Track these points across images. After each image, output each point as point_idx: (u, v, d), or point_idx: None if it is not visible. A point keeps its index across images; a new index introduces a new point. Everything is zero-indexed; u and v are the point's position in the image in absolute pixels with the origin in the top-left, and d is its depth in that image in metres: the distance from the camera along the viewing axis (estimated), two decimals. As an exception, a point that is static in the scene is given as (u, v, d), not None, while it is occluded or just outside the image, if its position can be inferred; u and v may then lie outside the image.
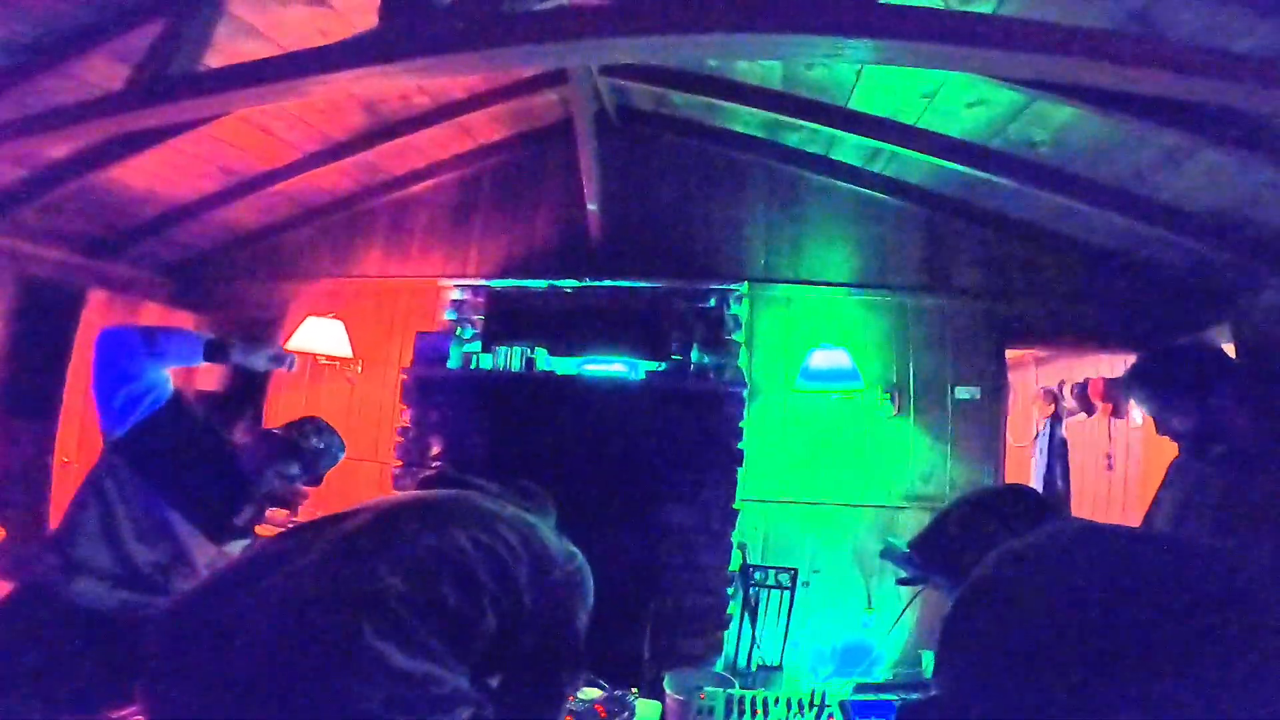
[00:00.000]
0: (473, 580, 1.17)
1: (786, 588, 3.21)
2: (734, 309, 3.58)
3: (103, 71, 2.59)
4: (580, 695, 1.72)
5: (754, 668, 3.15)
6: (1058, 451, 5.16)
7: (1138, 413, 4.69)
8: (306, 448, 1.97)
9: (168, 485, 1.80)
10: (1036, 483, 5.17)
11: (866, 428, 3.53)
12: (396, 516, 1.26)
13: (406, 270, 4.13)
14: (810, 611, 3.39)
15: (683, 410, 3.31)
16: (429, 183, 4.21)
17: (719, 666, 3.17)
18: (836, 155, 3.68)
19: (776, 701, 1.56)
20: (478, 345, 3.70)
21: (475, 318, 3.80)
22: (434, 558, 1.16)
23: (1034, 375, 5.81)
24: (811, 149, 3.71)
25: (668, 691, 2.32)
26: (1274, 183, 2.40)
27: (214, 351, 1.88)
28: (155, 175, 3.51)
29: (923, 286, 3.64)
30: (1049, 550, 1.14)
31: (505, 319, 3.74)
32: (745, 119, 3.62)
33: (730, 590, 3.28)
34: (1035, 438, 5.34)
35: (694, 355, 3.41)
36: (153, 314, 4.05)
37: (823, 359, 3.30)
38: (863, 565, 3.44)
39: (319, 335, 3.72)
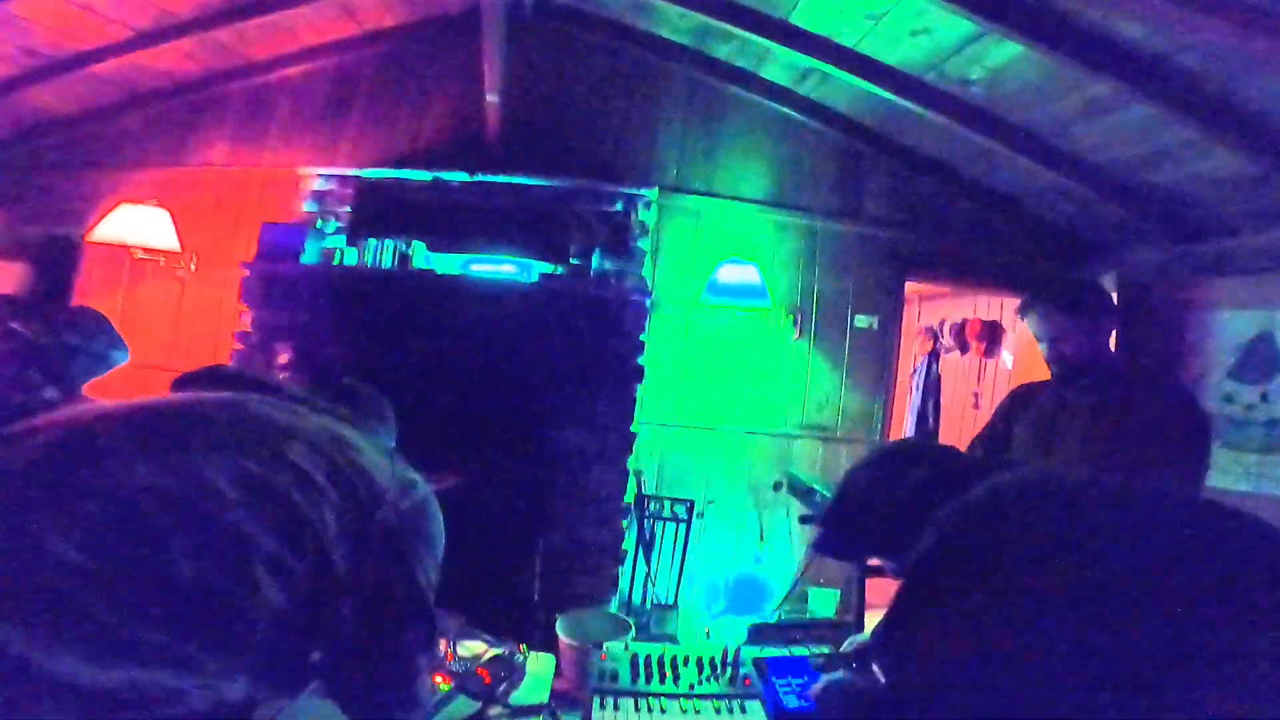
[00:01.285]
0: (232, 537, 0.78)
1: (683, 520, 3.07)
2: (641, 215, 3.30)
3: None
4: (460, 651, 1.43)
5: (649, 605, 3.01)
6: (932, 388, 5.39)
7: (1008, 355, 4.96)
8: (51, 345, 1.45)
9: None
10: (910, 417, 5.40)
11: (767, 350, 3.44)
12: (95, 442, 0.81)
13: (261, 161, 3.53)
14: (704, 544, 3.29)
15: (580, 318, 2.99)
16: (299, 68, 3.56)
17: (614, 606, 3.00)
18: (765, 73, 3.46)
19: (686, 661, 1.35)
20: (342, 240, 3.17)
21: (341, 210, 3.27)
22: (156, 503, 0.75)
23: (917, 312, 5.97)
24: (740, 63, 3.47)
25: (561, 636, 2.08)
26: (1189, 141, 2.46)
27: None
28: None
29: (834, 211, 3.58)
30: (1018, 503, 0.95)
31: (378, 212, 3.22)
32: (674, 23, 3.28)
33: (625, 523, 3.09)
34: (913, 374, 5.53)
35: (594, 260, 3.10)
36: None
37: (732, 273, 3.13)
38: (757, 496, 3.37)
39: (134, 224, 3.06)
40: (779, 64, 3.30)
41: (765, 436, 3.43)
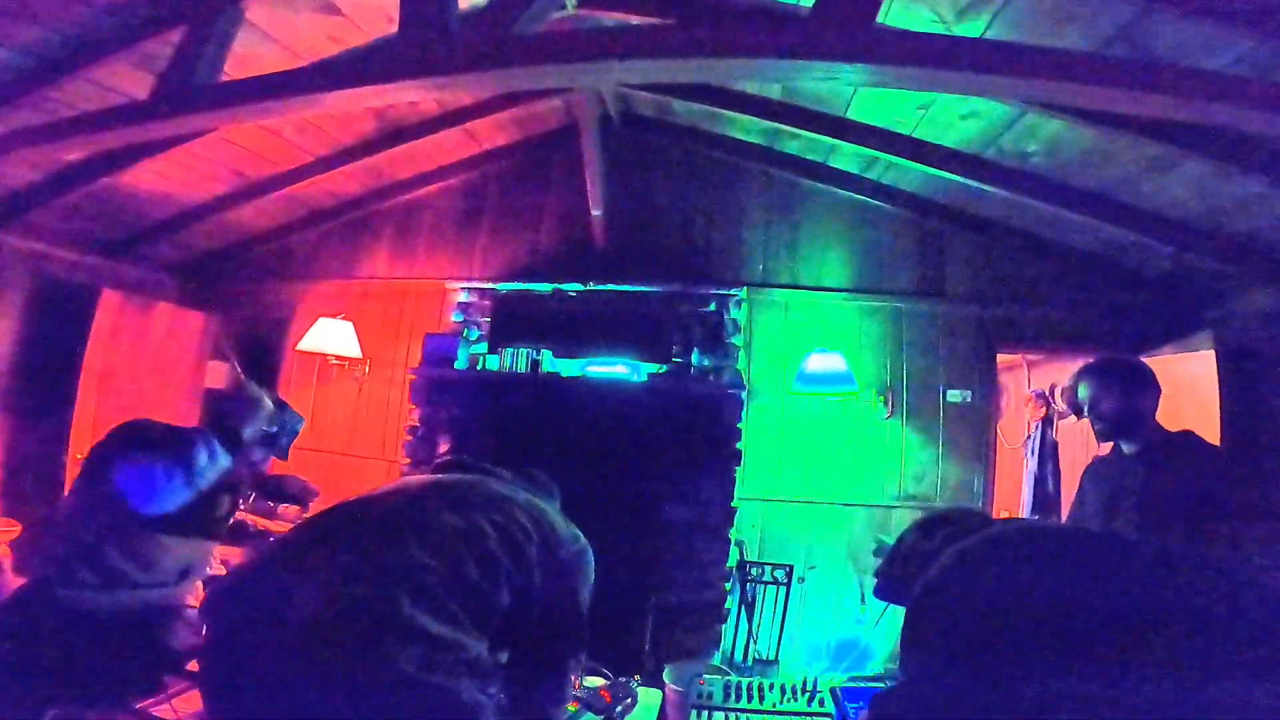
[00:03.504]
0: (492, 558, 1.30)
1: (782, 584, 3.31)
2: (733, 313, 3.67)
3: (122, 78, 2.69)
4: (585, 683, 1.81)
5: (750, 662, 3.25)
6: (1049, 454, 5.26)
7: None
8: (268, 434, 2.05)
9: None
10: (1028, 485, 5.28)
11: (861, 429, 3.62)
12: (424, 499, 1.40)
13: (413, 272, 4.21)
14: (805, 607, 3.48)
15: (683, 411, 3.41)
16: (435, 186, 4.28)
17: (716, 660, 3.27)
18: (835, 163, 3.77)
19: (771, 687, 1.65)
20: (484, 347, 3.79)
21: (482, 320, 3.89)
22: (458, 537, 1.29)
23: (1026, 378, 5.89)
24: (810, 156, 3.80)
25: (667, 683, 2.41)
26: (1255, 193, 2.52)
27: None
28: (169, 178, 3.59)
29: (916, 291, 3.74)
30: (990, 549, 1.24)
31: (511, 321, 3.82)
32: (745, 126, 3.71)
33: (728, 586, 3.37)
34: (1026, 440, 5.44)
35: (694, 358, 3.50)
36: (164, 313, 4.14)
37: (819, 362, 3.38)
38: (857, 562, 3.52)
39: (330, 336, 3.79)
40: (846, 154, 3.57)
41: (863, 508, 3.57)
